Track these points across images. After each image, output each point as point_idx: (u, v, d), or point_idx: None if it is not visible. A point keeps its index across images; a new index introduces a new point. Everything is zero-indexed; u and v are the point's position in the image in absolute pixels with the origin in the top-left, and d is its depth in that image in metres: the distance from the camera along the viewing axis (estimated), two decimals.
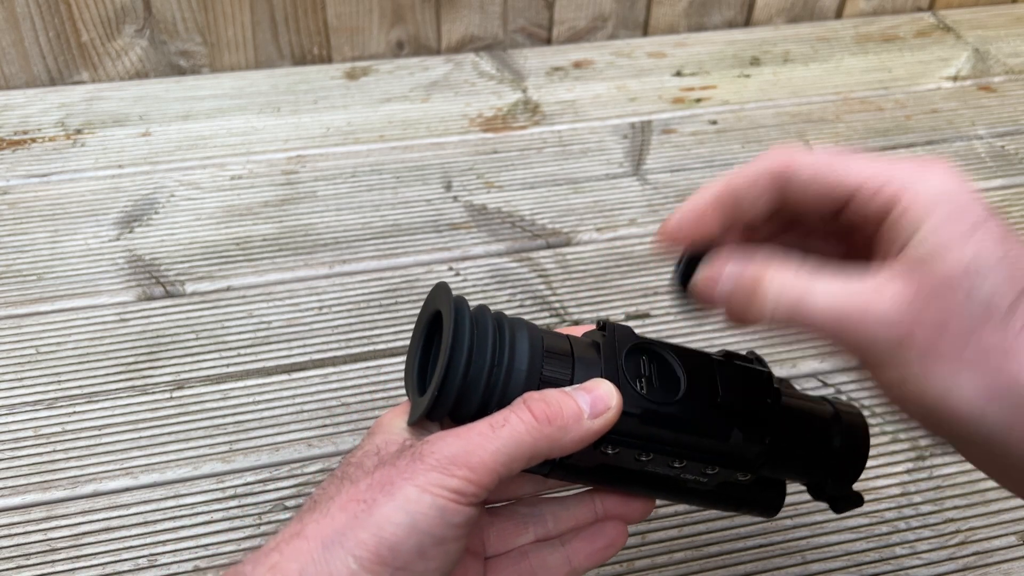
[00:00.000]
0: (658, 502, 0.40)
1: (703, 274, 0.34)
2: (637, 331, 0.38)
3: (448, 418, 0.35)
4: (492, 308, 0.36)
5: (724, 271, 0.34)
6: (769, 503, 0.40)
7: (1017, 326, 0.29)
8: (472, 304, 0.36)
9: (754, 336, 0.60)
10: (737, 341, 0.59)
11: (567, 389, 0.34)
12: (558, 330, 0.38)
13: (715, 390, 0.36)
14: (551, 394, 0.34)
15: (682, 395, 0.35)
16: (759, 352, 0.40)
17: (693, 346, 0.38)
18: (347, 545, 0.30)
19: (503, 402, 0.33)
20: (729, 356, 0.38)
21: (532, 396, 0.33)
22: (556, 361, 0.35)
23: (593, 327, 0.39)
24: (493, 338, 0.34)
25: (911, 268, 0.30)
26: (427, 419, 0.34)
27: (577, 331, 0.38)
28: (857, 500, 0.40)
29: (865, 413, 0.41)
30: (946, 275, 0.29)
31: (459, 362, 0.33)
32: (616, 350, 0.36)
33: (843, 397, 0.56)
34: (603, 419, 0.34)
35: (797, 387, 0.41)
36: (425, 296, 0.37)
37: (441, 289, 0.36)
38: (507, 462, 0.32)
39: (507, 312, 0.38)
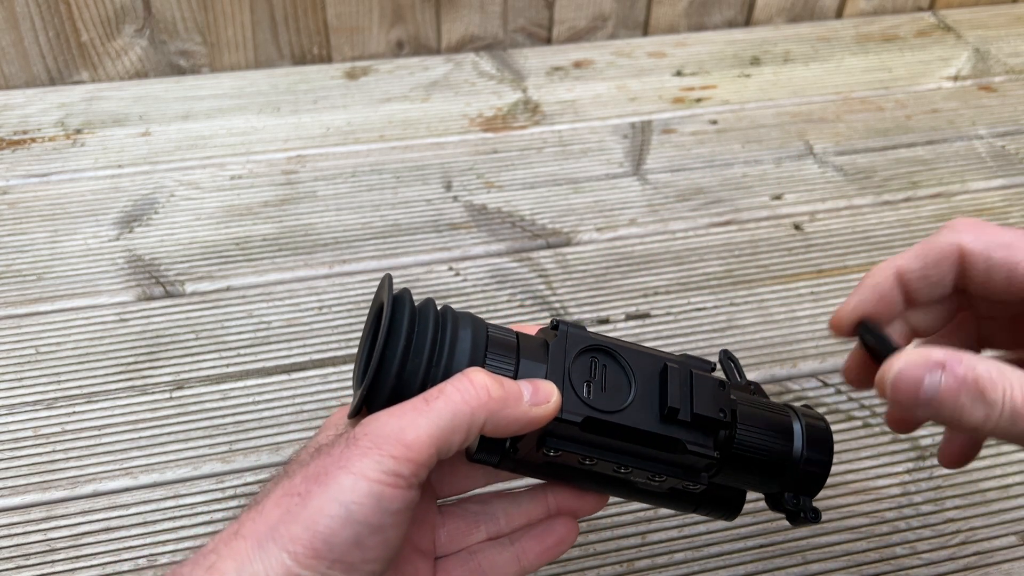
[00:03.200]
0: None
1: (902, 368, 0.30)
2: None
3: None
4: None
5: (929, 362, 0.29)
6: (727, 506, 0.39)
7: None
8: (435, 301, 0.35)
9: (753, 336, 0.60)
10: (732, 342, 0.59)
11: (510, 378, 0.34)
12: (512, 327, 0.37)
13: (665, 398, 0.35)
14: (494, 374, 0.33)
15: (630, 402, 0.34)
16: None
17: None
18: (280, 541, 0.29)
19: None
20: (689, 358, 0.37)
21: (472, 370, 0.33)
22: (499, 356, 0.34)
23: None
24: (434, 331, 0.34)
25: None
26: (366, 410, 0.34)
27: (531, 329, 0.38)
28: (814, 516, 0.37)
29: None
30: None
31: (394, 352, 0.33)
32: (565, 352, 0.35)
33: (843, 397, 0.56)
34: (542, 409, 0.33)
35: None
36: (424, 297, 0.37)
37: (385, 281, 0.35)
38: (444, 435, 0.31)
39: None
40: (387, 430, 0.30)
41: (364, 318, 0.62)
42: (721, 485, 0.38)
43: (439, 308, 0.35)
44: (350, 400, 0.49)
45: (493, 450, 0.35)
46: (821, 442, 0.38)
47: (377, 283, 0.64)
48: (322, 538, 0.29)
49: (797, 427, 0.38)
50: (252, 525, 0.30)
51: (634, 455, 0.35)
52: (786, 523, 0.50)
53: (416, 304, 0.35)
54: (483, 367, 0.34)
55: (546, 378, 0.34)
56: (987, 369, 0.29)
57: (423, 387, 0.33)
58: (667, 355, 0.37)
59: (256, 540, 0.30)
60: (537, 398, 0.33)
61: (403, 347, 0.33)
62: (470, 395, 0.31)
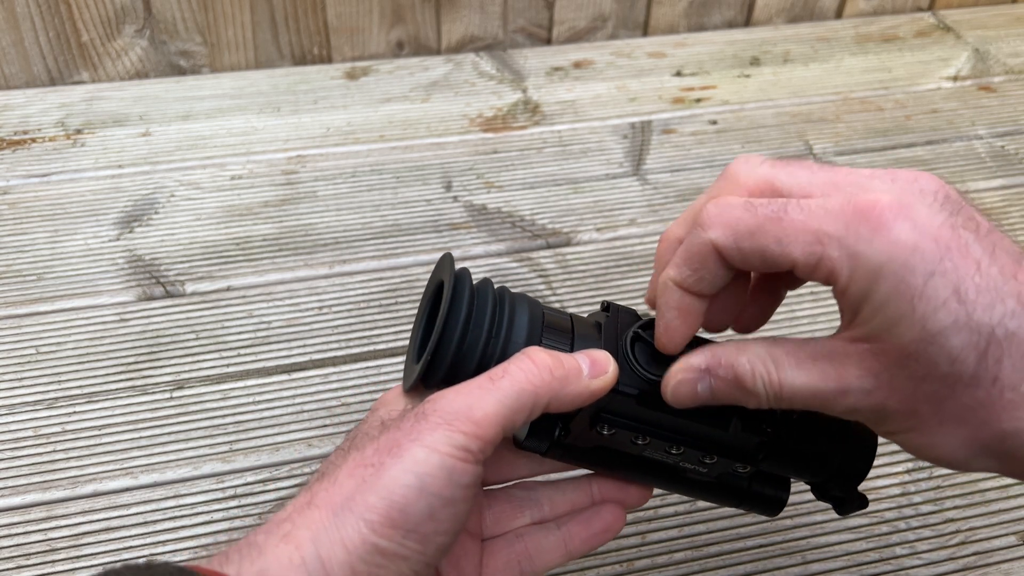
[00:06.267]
0: (659, 493, 0.40)
1: (676, 383, 0.33)
2: None
3: (444, 386, 0.34)
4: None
5: (695, 371, 0.33)
6: (771, 500, 0.39)
7: (988, 381, 0.28)
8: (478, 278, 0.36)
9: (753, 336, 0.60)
10: None
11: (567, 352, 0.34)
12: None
13: None
14: (552, 351, 0.34)
15: None
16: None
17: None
18: (357, 510, 0.30)
19: None
20: None
21: (533, 349, 0.33)
22: (555, 335, 0.35)
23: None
24: (493, 309, 0.34)
25: (870, 340, 0.29)
26: (422, 386, 0.34)
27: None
28: (862, 502, 0.38)
29: None
30: (904, 347, 0.29)
31: (454, 329, 0.33)
32: (618, 330, 0.36)
33: None
34: (601, 380, 0.33)
35: None
36: (482, 277, 0.37)
37: (445, 260, 0.36)
38: (509, 414, 0.32)
39: None
40: (455, 406, 0.31)
41: (364, 318, 0.62)
42: (768, 474, 0.38)
43: (496, 288, 0.36)
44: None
45: (543, 437, 0.36)
46: (867, 428, 0.38)
47: (377, 283, 0.65)
48: (398, 507, 0.30)
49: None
50: (326, 495, 0.30)
51: (687, 433, 0.35)
52: (786, 523, 0.50)
53: (475, 283, 0.35)
54: (539, 346, 0.34)
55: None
56: (745, 362, 0.32)
57: (481, 363, 0.33)
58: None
59: (331, 509, 0.30)
60: (595, 370, 0.33)
61: (463, 322, 0.33)
62: (533, 375, 0.32)
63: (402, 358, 0.59)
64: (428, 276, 0.65)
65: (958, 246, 0.28)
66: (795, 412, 0.36)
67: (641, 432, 0.35)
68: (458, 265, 0.37)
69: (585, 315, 0.38)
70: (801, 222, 0.30)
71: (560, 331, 0.35)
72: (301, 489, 0.32)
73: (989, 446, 0.29)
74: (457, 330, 0.33)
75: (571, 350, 0.35)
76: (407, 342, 0.60)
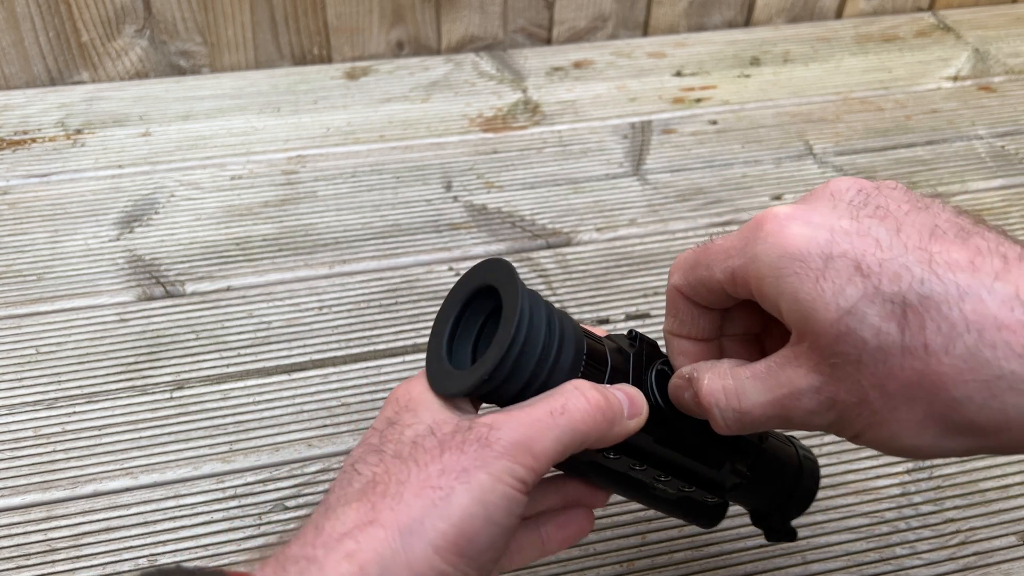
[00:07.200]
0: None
1: (671, 387, 0.36)
2: (639, 331, 0.38)
3: (486, 400, 0.35)
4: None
5: (683, 379, 0.35)
6: (713, 516, 0.41)
7: (919, 349, 0.28)
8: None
9: None
10: None
11: (607, 386, 0.34)
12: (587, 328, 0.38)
13: None
14: (599, 386, 0.34)
15: (699, 421, 0.36)
16: None
17: None
18: (426, 535, 0.30)
19: (541, 389, 0.33)
20: None
21: (583, 384, 0.33)
22: (594, 364, 0.35)
23: (609, 331, 0.39)
24: (547, 328, 0.34)
25: (803, 338, 0.31)
26: (466, 396, 0.34)
27: (599, 331, 0.39)
28: (792, 534, 0.42)
29: None
30: (827, 334, 0.29)
31: (515, 351, 0.33)
32: (644, 365, 0.37)
33: None
34: (637, 421, 0.35)
35: None
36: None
37: (502, 267, 0.35)
38: (563, 451, 0.32)
39: None
40: (518, 437, 0.31)
41: (364, 318, 0.62)
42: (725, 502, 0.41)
43: (544, 303, 0.36)
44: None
45: None
46: (816, 473, 0.42)
47: (377, 283, 0.64)
48: (466, 536, 0.30)
49: (799, 459, 0.42)
50: (392, 515, 0.30)
51: (683, 468, 0.37)
52: None
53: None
54: (580, 371, 0.35)
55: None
56: (708, 382, 0.34)
57: (528, 383, 0.33)
58: None
59: (397, 530, 0.30)
60: (633, 410, 0.35)
61: (523, 344, 0.33)
62: (588, 415, 0.33)
63: (402, 358, 0.59)
64: (428, 276, 0.65)
65: (856, 230, 0.30)
66: (766, 452, 0.40)
67: (645, 462, 0.37)
68: (459, 265, 0.36)
69: (605, 334, 0.38)
70: (718, 245, 0.33)
71: (598, 361, 0.36)
72: (351, 501, 0.31)
73: (948, 419, 0.29)
74: (517, 352, 0.33)
75: (605, 380, 0.36)
76: (407, 342, 0.60)
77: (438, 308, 0.37)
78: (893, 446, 0.30)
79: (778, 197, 0.74)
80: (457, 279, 0.37)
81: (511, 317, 0.33)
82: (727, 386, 0.33)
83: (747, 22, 0.98)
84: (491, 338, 0.34)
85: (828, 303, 0.29)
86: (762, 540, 0.49)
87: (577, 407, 0.32)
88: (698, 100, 0.86)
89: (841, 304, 0.29)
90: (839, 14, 1.00)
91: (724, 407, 0.33)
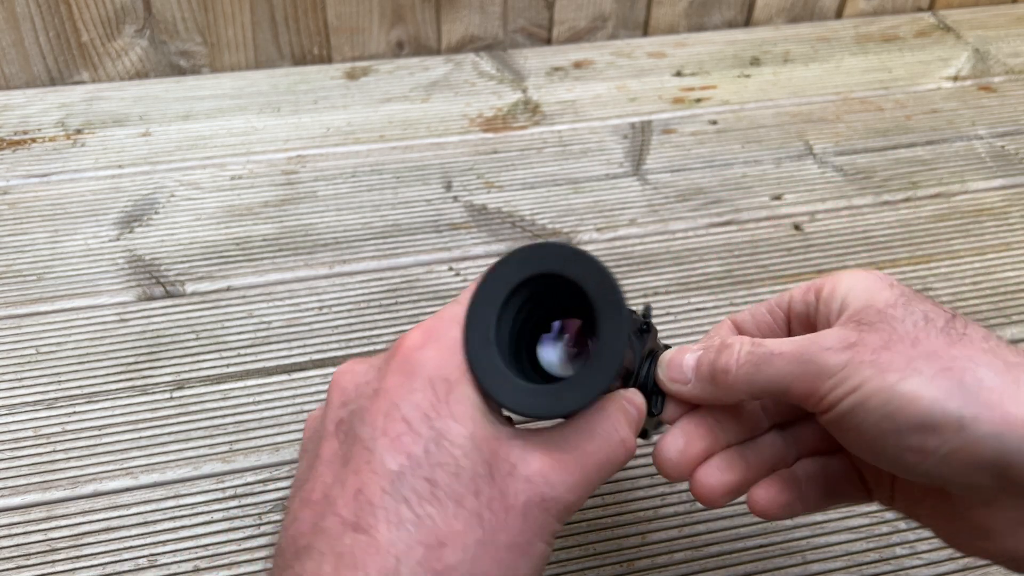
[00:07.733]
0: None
1: (668, 372, 0.37)
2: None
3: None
4: None
5: (684, 359, 0.37)
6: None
7: (959, 331, 0.32)
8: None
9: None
10: None
11: (629, 411, 0.35)
12: None
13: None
14: (630, 420, 0.35)
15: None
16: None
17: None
18: None
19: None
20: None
21: (627, 433, 0.34)
22: (623, 376, 0.36)
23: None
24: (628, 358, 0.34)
25: (848, 319, 0.34)
26: (531, 419, 0.33)
27: None
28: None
29: None
30: (879, 309, 0.33)
31: (608, 382, 0.31)
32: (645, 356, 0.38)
33: None
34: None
35: None
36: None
37: (587, 260, 0.31)
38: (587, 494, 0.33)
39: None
40: (571, 500, 0.32)
41: (364, 318, 0.62)
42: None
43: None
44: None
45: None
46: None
47: (377, 283, 0.65)
48: None
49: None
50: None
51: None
52: (786, 523, 0.50)
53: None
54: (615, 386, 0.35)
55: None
56: (732, 338, 0.36)
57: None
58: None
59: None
60: (635, 428, 0.36)
61: (615, 375, 0.32)
62: (619, 461, 0.34)
63: None
64: (428, 276, 0.65)
65: None
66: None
67: None
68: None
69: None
70: (784, 346, 0.36)
71: (627, 370, 0.36)
72: (391, 534, 0.30)
73: (958, 387, 0.30)
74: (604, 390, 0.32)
75: (628, 385, 0.37)
76: None
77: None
78: (895, 391, 0.31)
79: (778, 197, 0.74)
80: (508, 251, 0.33)
81: (613, 361, 0.31)
82: (752, 347, 0.35)
83: (747, 22, 0.98)
84: (536, 329, 0.33)
85: (891, 295, 0.34)
86: (762, 540, 0.49)
87: (617, 460, 0.33)
88: (698, 100, 0.86)
89: (898, 297, 0.34)
90: (839, 14, 1.00)
91: (742, 355, 0.35)
